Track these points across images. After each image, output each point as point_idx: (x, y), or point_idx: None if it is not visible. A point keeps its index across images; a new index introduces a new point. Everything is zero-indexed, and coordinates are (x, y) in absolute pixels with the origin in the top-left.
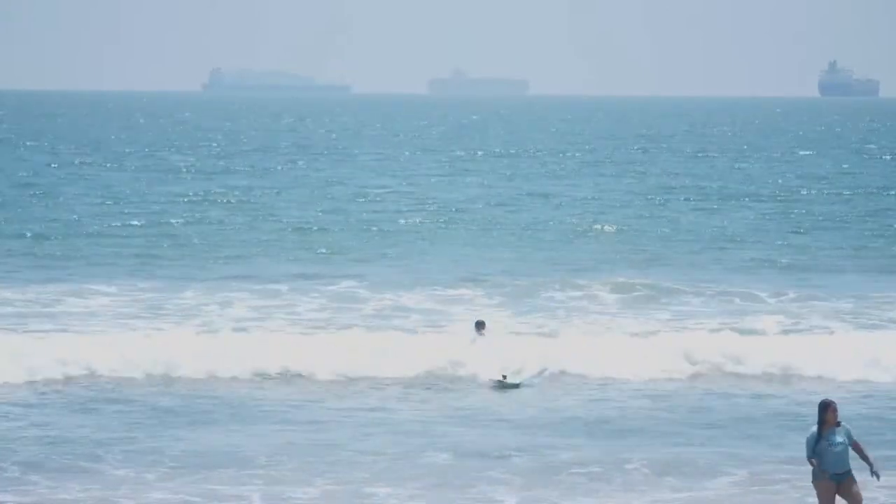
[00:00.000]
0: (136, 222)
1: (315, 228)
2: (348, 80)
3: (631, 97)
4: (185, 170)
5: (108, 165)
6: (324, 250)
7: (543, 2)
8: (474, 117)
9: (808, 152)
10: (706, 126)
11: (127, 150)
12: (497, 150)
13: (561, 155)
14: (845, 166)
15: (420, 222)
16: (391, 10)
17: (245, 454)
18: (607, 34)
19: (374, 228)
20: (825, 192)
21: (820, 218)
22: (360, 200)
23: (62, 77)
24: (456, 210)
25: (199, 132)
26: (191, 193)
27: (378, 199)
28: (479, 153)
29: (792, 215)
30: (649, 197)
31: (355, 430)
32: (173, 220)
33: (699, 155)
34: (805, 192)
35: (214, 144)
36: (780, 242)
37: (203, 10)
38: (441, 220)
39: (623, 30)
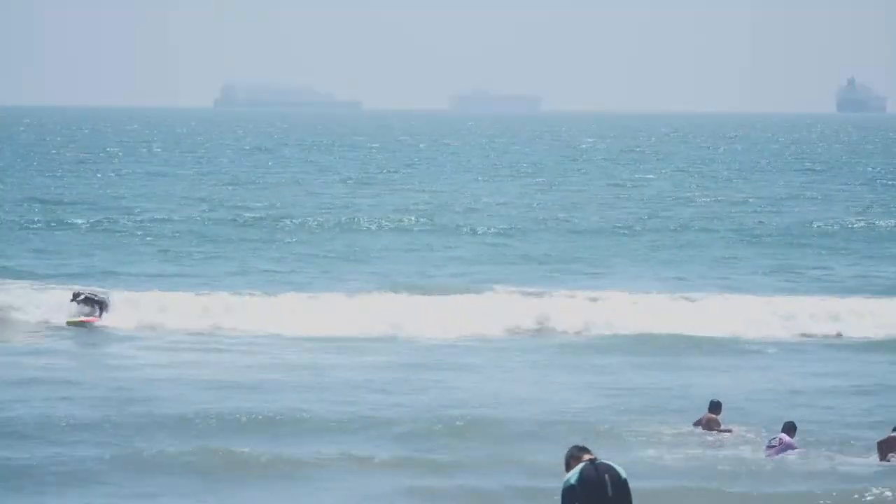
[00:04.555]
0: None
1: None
2: (359, 96)
3: (640, 113)
4: None
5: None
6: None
7: (562, 19)
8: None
9: None
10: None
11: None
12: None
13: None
14: None
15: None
16: (410, 25)
17: None
18: (621, 50)
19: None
20: None
21: None
22: None
23: (67, 93)
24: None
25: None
26: None
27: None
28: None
29: None
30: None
31: None
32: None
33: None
34: None
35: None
36: None
37: (214, 25)
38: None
39: (638, 45)
